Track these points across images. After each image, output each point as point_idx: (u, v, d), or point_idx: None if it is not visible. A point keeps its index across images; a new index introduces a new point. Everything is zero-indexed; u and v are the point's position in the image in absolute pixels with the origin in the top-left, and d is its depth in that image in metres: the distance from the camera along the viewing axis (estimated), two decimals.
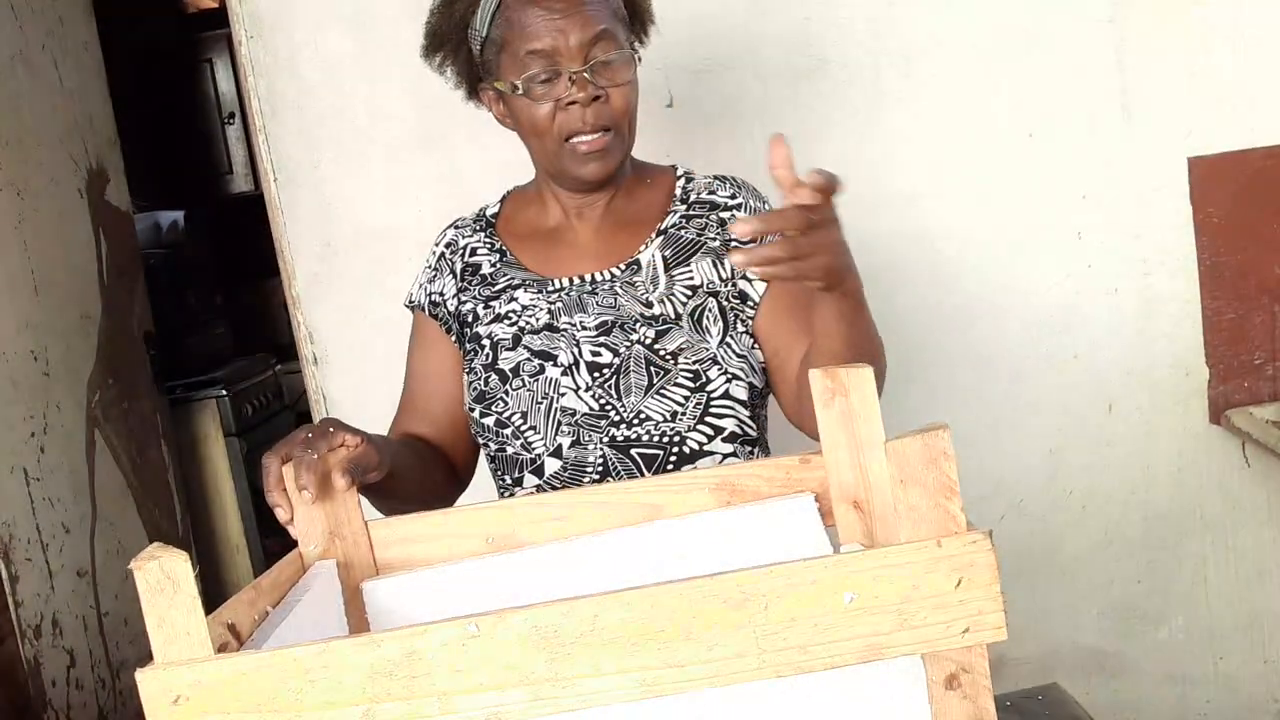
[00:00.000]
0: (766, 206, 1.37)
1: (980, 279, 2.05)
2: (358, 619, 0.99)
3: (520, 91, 1.26)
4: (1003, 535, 1.78)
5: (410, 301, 1.44)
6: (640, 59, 1.32)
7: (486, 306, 1.36)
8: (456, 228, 1.44)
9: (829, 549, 0.96)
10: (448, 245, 1.43)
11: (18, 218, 2.62)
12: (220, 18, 3.21)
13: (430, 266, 1.43)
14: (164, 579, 0.70)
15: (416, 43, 2.00)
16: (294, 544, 1.01)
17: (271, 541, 3.72)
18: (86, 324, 2.91)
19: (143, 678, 0.69)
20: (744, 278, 1.31)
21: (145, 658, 0.70)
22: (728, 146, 2.00)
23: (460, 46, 1.35)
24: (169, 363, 3.42)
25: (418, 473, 1.28)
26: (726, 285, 1.31)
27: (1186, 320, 2.06)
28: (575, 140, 1.26)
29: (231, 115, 4.37)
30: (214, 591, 3.48)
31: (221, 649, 0.76)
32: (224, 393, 3.72)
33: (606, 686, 0.68)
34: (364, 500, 1.06)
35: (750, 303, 1.31)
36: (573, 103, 1.23)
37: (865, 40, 2.00)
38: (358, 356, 2.05)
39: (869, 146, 2.03)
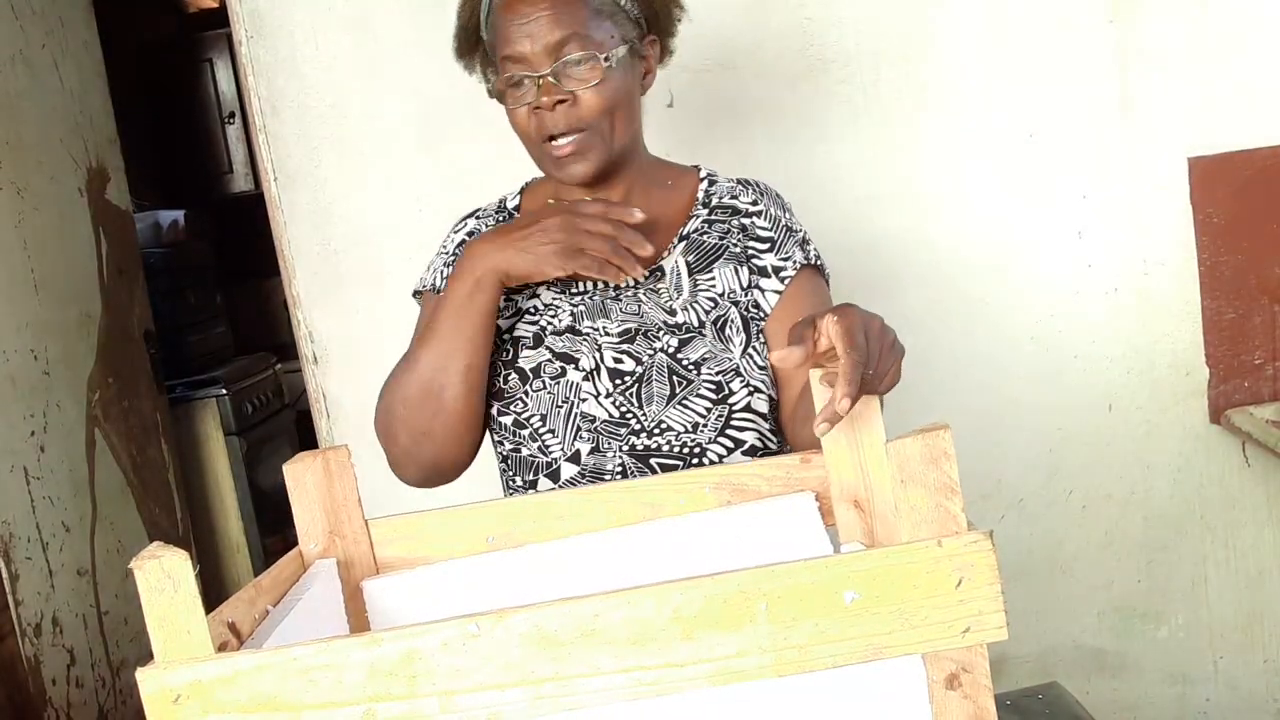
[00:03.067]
0: (787, 214, 1.36)
1: (980, 279, 2.05)
2: (358, 619, 1.00)
3: (499, 95, 1.28)
4: (1003, 535, 1.78)
5: (423, 286, 1.42)
6: (658, 51, 1.33)
7: (507, 300, 1.34)
8: (478, 218, 1.43)
9: (829, 549, 0.96)
10: (469, 234, 1.41)
11: (18, 217, 2.62)
12: (220, 18, 3.20)
13: (448, 253, 1.41)
14: (164, 578, 0.70)
15: (417, 42, 2.01)
16: (294, 543, 1.01)
17: (271, 541, 3.73)
18: (86, 324, 2.91)
19: (143, 677, 0.69)
20: (756, 288, 1.31)
21: (145, 657, 0.70)
22: (728, 146, 2.00)
23: (477, 47, 1.36)
24: (169, 362, 3.42)
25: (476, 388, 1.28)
26: (746, 294, 1.31)
27: (1186, 320, 2.06)
28: (552, 144, 1.26)
29: (231, 115, 4.38)
30: (214, 591, 3.48)
31: (222, 648, 0.76)
32: (224, 392, 3.72)
33: (606, 686, 0.68)
34: (364, 499, 1.06)
35: (763, 312, 1.31)
36: (539, 107, 1.25)
37: (865, 40, 2.00)
38: (358, 356, 2.05)
39: (869, 146, 2.03)
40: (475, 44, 1.35)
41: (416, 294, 1.44)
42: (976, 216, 2.04)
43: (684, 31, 1.39)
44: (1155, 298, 2.06)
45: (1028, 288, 2.05)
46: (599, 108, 1.25)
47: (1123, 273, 2.05)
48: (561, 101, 1.24)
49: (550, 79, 1.23)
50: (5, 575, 2.37)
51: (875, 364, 0.92)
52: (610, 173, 1.31)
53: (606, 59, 1.25)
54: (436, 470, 1.32)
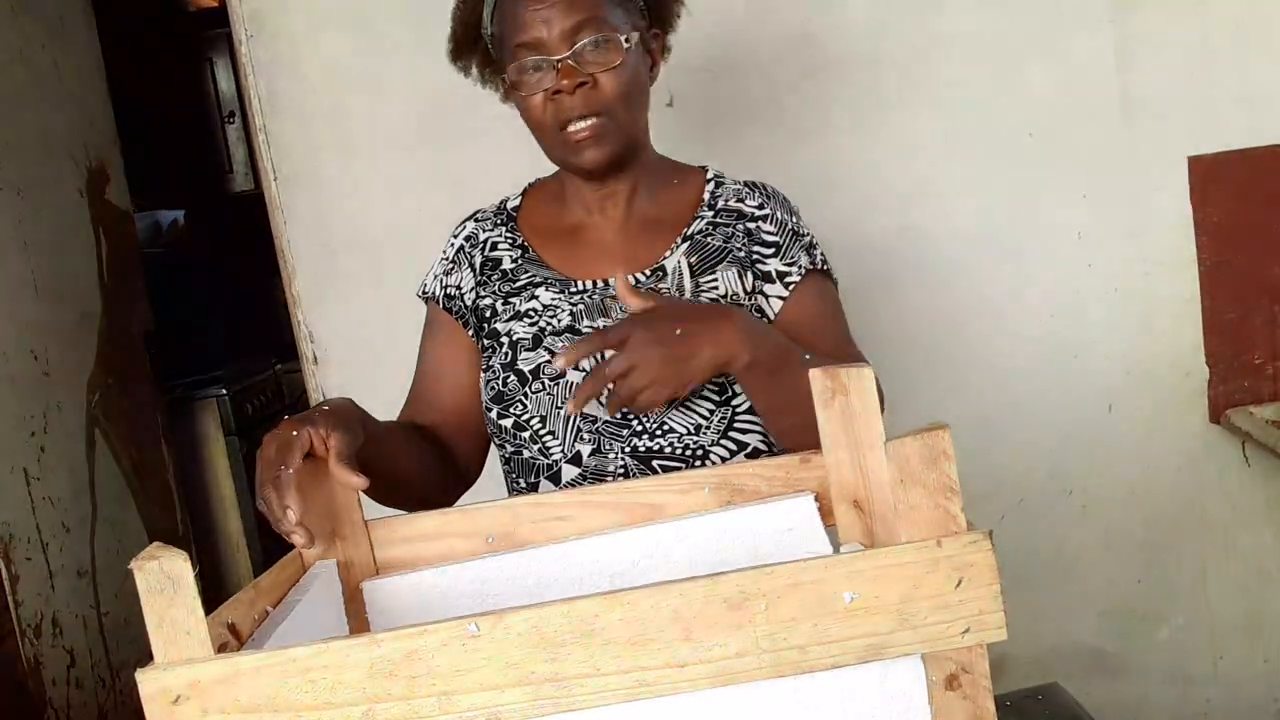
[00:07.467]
0: (794, 218, 1.35)
1: (980, 279, 2.05)
2: (358, 619, 0.99)
3: (512, 85, 1.27)
4: (1003, 535, 1.77)
5: (424, 292, 1.42)
6: (660, 46, 1.33)
7: (506, 303, 1.34)
8: (476, 220, 1.42)
9: (829, 549, 0.96)
10: (467, 238, 1.41)
11: (18, 218, 2.62)
12: (220, 17, 3.20)
13: (447, 259, 1.41)
14: (164, 579, 0.70)
15: (416, 43, 2.01)
16: (294, 544, 1.01)
17: (272, 542, 3.72)
18: (86, 324, 2.90)
19: (143, 678, 0.69)
20: (761, 293, 1.30)
21: (145, 658, 0.70)
22: (728, 146, 2.00)
23: (476, 45, 1.34)
24: (169, 362, 3.42)
25: (410, 451, 1.26)
26: (750, 298, 1.30)
27: (1186, 320, 2.06)
28: (569, 130, 1.25)
29: (231, 115, 4.37)
30: (214, 591, 3.48)
31: (221, 649, 0.76)
32: (224, 392, 3.72)
33: (606, 686, 0.68)
34: (364, 500, 1.06)
35: (767, 318, 1.30)
36: (558, 91, 1.23)
37: (865, 40, 2.00)
38: (358, 356, 2.05)
39: (869, 146, 2.03)
40: (474, 41, 1.34)
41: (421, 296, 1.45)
42: (976, 217, 2.04)
43: (684, 31, 1.39)
44: (1155, 298, 2.06)
45: (1028, 288, 2.05)
46: (617, 91, 1.24)
47: (1123, 273, 2.05)
48: (581, 84, 1.22)
49: (570, 62, 1.22)
50: (5, 576, 2.37)
51: (624, 375, 1.08)
52: (622, 163, 1.30)
53: (626, 40, 1.25)
54: (451, 501, 1.32)
